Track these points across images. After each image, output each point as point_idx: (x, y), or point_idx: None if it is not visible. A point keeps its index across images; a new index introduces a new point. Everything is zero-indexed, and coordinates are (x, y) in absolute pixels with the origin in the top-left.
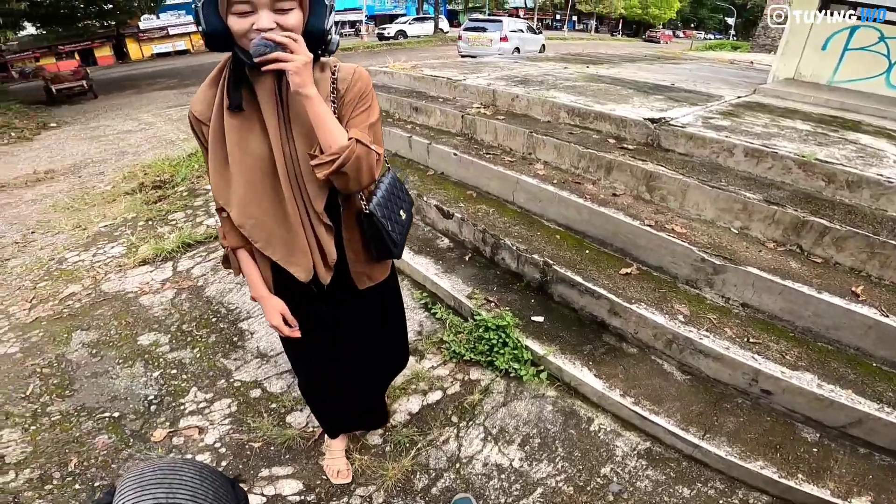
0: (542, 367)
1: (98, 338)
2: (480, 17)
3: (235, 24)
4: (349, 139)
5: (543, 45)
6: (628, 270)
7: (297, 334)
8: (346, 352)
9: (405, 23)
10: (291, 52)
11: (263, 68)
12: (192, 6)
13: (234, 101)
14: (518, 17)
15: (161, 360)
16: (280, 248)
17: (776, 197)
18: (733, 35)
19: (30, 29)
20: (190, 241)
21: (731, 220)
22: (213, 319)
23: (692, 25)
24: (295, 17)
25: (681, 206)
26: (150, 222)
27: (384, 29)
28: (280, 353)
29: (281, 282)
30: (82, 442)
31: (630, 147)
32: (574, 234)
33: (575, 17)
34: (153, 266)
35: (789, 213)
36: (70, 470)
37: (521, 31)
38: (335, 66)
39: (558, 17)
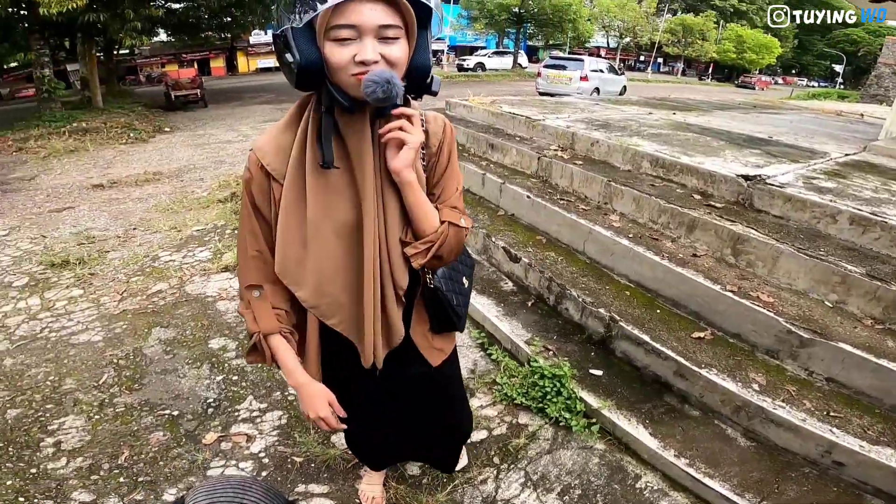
0: (594, 420)
1: (174, 336)
2: (561, 54)
3: (334, 53)
4: (442, 222)
5: (625, 87)
6: (701, 335)
7: (344, 427)
8: (400, 421)
9: (485, 55)
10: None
11: (384, 136)
12: (277, 33)
13: (328, 157)
14: (599, 56)
15: (226, 365)
16: (353, 329)
17: (881, 272)
18: (841, 83)
19: (161, 36)
20: None
21: (827, 292)
22: None
23: (793, 72)
24: (401, 49)
25: (769, 273)
26: (235, 231)
27: (464, 60)
28: None
29: (327, 362)
30: (138, 436)
31: (718, 205)
32: (645, 292)
33: (661, 60)
34: (232, 274)
35: (893, 290)
36: (119, 463)
37: (602, 70)
38: (422, 117)
39: (642, 58)
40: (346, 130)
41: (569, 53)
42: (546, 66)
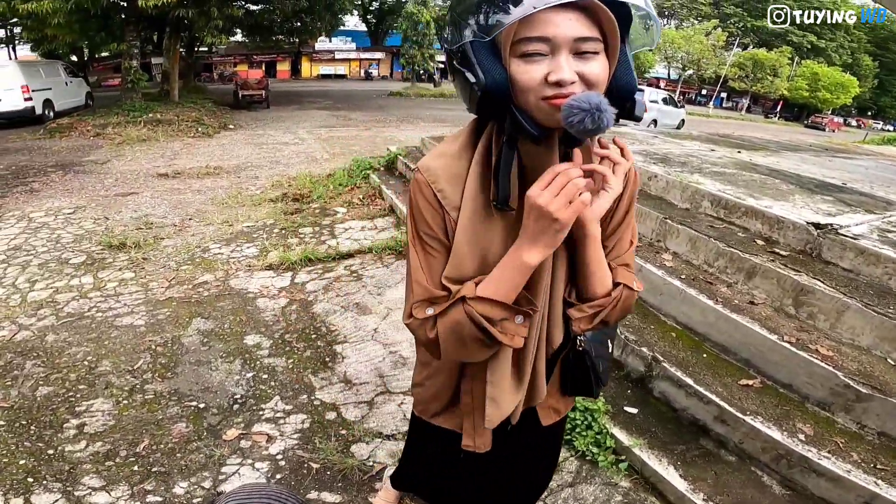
0: (622, 457)
1: (213, 328)
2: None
3: (523, 72)
4: (615, 284)
5: (683, 121)
6: (749, 382)
7: None
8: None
9: None
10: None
11: (594, 195)
12: (450, 49)
13: (502, 193)
14: (658, 87)
15: (258, 362)
16: (505, 401)
17: None
18: None
19: (237, 36)
20: (311, 257)
21: (891, 350)
22: (313, 336)
23: (869, 113)
24: (601, 66)
25: (832, 327)
26: (283, 231)
27: None
28: (364, 382)
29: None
30: (161, 426)
31: (782, 253)
32: (692, 335)
33: (724, 94)
34: (276, 273)
35: None
36: (137, 451)
37: (660, 102)
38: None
39: (704, 91)
40: (530, 164)
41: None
42: None
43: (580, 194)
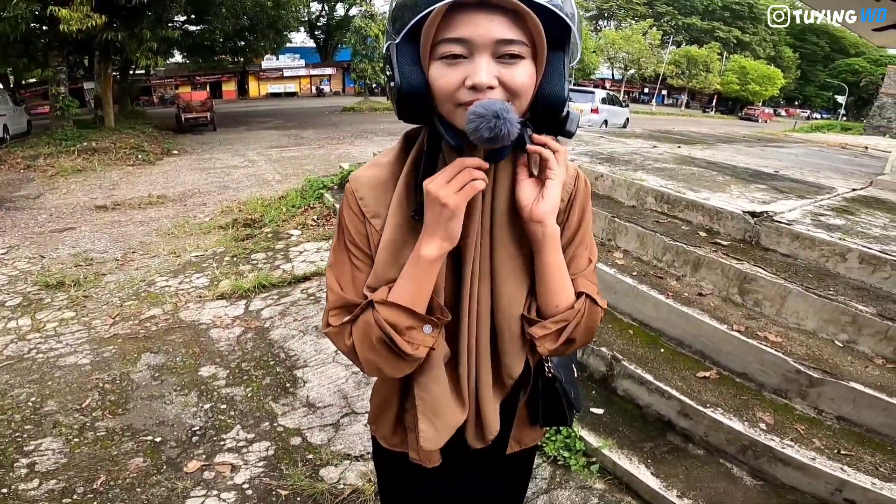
0: (594, 459)
1: (164, 362)
2: (570, 87)
3: (440, 76)
4: (578, 294)
5: (627, 119)
6: (707, 374)
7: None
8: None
9: None
10: (552, 150)
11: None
12: (383, 52)
13: (413, 205)
14: (604, 88)
15: (215, 393)
16: (440, 421)
17: (892, 311)
18: (843, 114)
19: (176, 57)
20: (266, 283)
21: (836, 332)
22: (272, 363)
23: (796, 103)
24: (525, 73)
25: (777, 313)
26: (234, 258)
27: None
28: (328, 405)
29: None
30: (116, 461)
31: (724, 243)
32: (649, 331)
33: (665, 91)
34: (228, 302)
35: None
36: (94, 487)
37: (609, 102)
38: None
39: (646, 90)
40: None
41: (574, 85)
42: None
43: (473, 180)
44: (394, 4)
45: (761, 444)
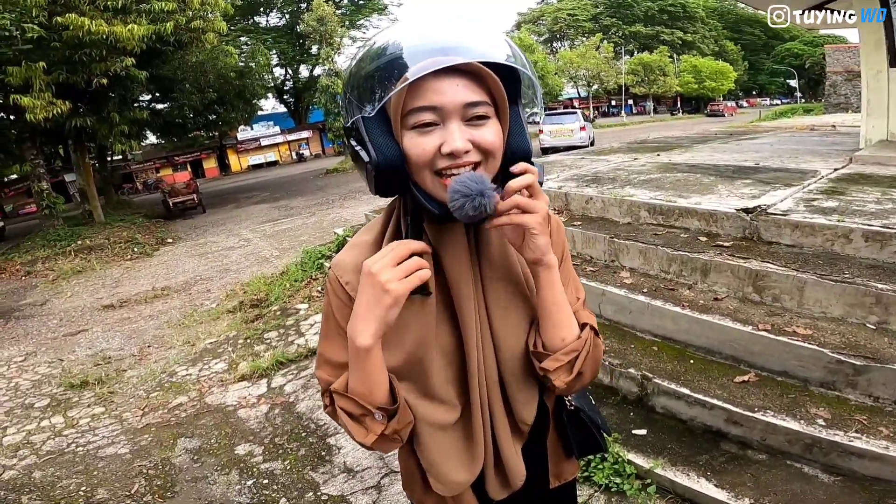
0: (648, 481)
1: (200, 445)
2: (554, 109)
3: (415, 145)
4: (582, 326)
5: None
6: (745, 378)
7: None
8: None
9: None
10: (530, 195)
11: (490, 225)
12: (347, 126)
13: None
14: (573, 107)
15: (255, 469)
16: (443, 481)
17: None
18: (800, 97)
19: (151, 139)
20: (283, 360)
21: (865, 315)
22: (304, 434)
23: (754, 93)
24: (494, 131)
25: (799, 305)
26: (248, 340)
27: None
28: (367, 468)
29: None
30: None
31: (726, 244)
32: (673, 345)
33: (631, 101)
34: (250, 382)
35: None
36: None
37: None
38: None
39: (613, 102)
40: (438, 242)
41: (544, 109)
42: (547, 124)
43: (419, 269)
44: (355, 76)
45: (826, 441)
